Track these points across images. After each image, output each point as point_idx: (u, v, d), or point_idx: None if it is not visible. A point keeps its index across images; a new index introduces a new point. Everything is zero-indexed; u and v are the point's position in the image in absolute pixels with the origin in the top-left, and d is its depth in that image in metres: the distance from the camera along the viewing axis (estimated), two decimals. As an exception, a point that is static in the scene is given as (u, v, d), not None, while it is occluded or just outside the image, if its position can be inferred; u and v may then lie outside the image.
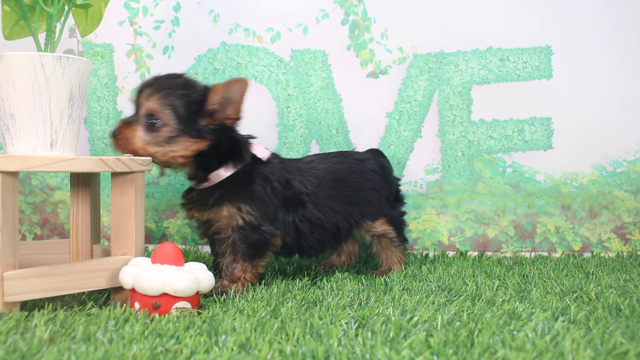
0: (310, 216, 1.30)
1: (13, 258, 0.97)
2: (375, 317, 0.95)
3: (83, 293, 1.12)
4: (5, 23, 1.17)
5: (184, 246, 1.70)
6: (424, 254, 1.69)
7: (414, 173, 1.71)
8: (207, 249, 1.57)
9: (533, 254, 1.71)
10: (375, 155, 1.50)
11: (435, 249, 1.72)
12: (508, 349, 0.79)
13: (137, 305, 0.99)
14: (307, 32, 1.69)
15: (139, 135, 1.16)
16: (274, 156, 1.32)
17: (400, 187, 1.54)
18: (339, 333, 0.86)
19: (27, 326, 0.89)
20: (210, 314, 0.99)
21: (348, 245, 1.53)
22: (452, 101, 1.70)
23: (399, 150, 1.70)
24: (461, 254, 1.69)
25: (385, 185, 1.45)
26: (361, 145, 1.58)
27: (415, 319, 0.93)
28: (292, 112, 1.70)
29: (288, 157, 1.44)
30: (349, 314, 0.98)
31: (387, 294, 1.16)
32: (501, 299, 1.11)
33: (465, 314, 0.98)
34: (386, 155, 1.56)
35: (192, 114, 1.17)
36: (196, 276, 1.00)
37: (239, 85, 1.17)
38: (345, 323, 0.92)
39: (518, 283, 1.28)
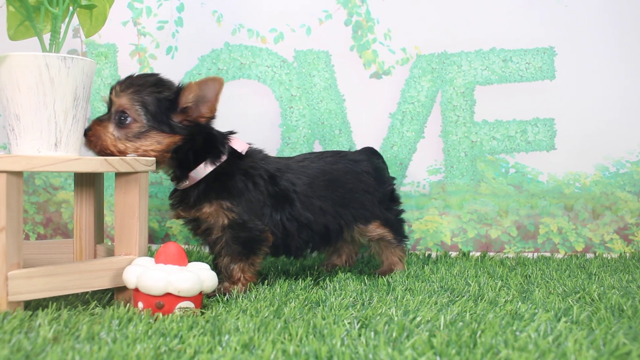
0: (298, 215, 1.28)
1: (17, 257, 0.97)
2: (378, 317, 0.95)
3: (86, 293, 1.12)
4: (10, 23, 1.17)
5: (186, 246, 1.70)
6: (426, 255, 1.69)
7: (417, 174, 1.71)
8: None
9: (535, 254, 1.71)
10: (369, 155, 1.49)
11: (438, 250, 1.72)
12: (511, 350, 0.79)
13: (140, 304, 0.99)
14: (311, 33, 1.70)
15: (110, 132, 1.17)
16: (257, 151, 1.31)
17: (394, 187, 1.51)
18: (342, 333, 0.86)
19: (31, 325, 0.89)
20: (214, 313, 0.99)
21: (348, 246, 1.53)
22: (455, 102, 1.70)
23: (401, 150, 1.70)
24: (464, 254, 1.69)
25: (379, 187, 1.43)
26: (364, 145, 1.58)
27: (418, 319, 0.94)
28: (295, 112, 1.70)
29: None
30: (352, 314, 0.98)
31: (389, 294, 1.16)
32: (504, 300, 1.11)
33: (467, 314, 0.98)
34: (389, 155, 1.56)
35: (163, 110, 1.18)
36: (199, 276, 1.01)
37: (214, 84, 1.18)
38: (348, 323, 0.92)
39: (520, 283, 1.29)
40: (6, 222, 0.95)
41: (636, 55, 1.70)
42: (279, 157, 1.38)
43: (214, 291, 1.13)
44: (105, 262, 1.07)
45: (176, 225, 1.71)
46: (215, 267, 1.28)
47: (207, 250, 1.31)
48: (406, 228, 1.67)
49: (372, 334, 0.86)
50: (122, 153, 1.16)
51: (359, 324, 0.92)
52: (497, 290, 1.21)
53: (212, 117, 1.22)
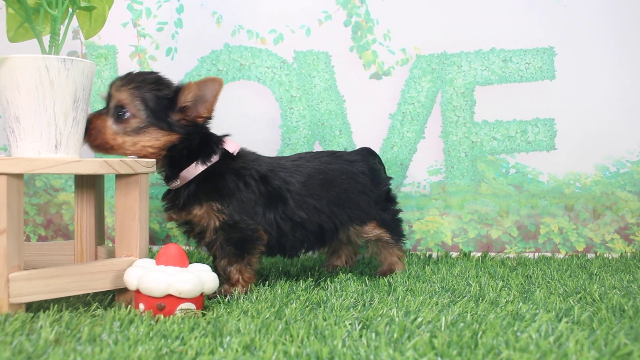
0: (292, 214, 1.28)
1: (18, 259, 0.97)
2: (379, 318, 0.95)
3: (87, 294, 1.12)
4: (10, 25, 1.17)
5: (187, 247, 1.70)
6: (427, 255, 1.69)
7: (417, 174, 1.71)
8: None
9: (536, 254, 1.71)
10: (365, 156, 1.48)
11: (439, 250, 1.72)
12: (512, 350, 0.79)
13: (141, 306, 0.99)
14: (310, 34, 1.70)
15: (109, 126, 1.17)
16: (249, 152, 1.31)
17: (390, 187, 1.50)
18: (343, 334, 0.86)
19: (32, 327, 0.89)
20: (215, 315, 0.99)
21: (346, 247, 1.53)
22: (455, 102, 1.70)
23: (402, 151, 1.70)
24: (464, 254, 1.69)
25: (375, 187, 1.43)
26: (364, 146, 1.57)
27: (419, 320, 0.94)
28: (295, 113, 1.70)
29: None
30: (353, 315, 0.98)
31: (390, 295, 1.16)
32: (505, 300, 1.11)
33: (469, 315, 0.98)
34: (389, 156, 1.56)
35: (162, 108, 1.18)
36: (200, 277, 1.01)
37: (213, 84, 1.19)
38: (349, 324, 0.92)
39: (521, 284, 1.29)
40: (7, 224, 0.95)
41: (636, 56, 1.70)
42: (272, 157, 1.37)
43: (215, 293, 1.13)
44: (106, 264, 1.07)
45: (181, 231, 1.71)
46: (215, 269, 1.28)
47: (205, 250, 1.31)
48: (407, 228, 1.68)
49: (374, 335, 0.86)
50: (120, 147, 1.17)
51: (360, 325, 0.92)
52: (498, 290, 1.21)
53: (210, 118, 1.22)
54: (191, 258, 1.51)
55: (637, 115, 1.70)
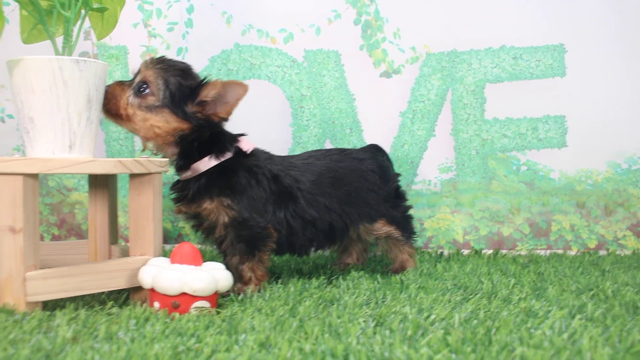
0: (303, 213, 1.28)
1: (34, 259, 0.99)
2: (393, 316, 0.96)
3: (102, 293, 1.13)
4: (24, 27, 1.18)
5: (199, 246, 1.71)
6: (438, 252, 1.69)
7: (428, 172, 1.71)
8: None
9: (548, 251, 1.71)
10: (374, 153, 1.48)
11: (450, 247, 1.73)
12: (526, 347, 0.79)
13: (156, 304, 1.00)
14: (320, 33, 1.70)
15: (126, 96, 1.19)
16: (262, 152, 1.31)
17: (399, 184, 1.50)
18: (357, 331, 0.87)
19: (49, 325, 0.90)
20: (229, 312, 1.00)
21: (357, 244, 1.54)
22: (465, 100, 1.70)
23: (412, 149, 1.71)
24: (476, 252, 1.69)
25: (384, 185, 1.42)
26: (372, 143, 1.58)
27: (433, 317, 0.94)
28: (305, 112, 1.70)
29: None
30: (366, 312, 0.99)
31: (403, 292, 1.16)
32: (517, 297, 1.11)
33: (482, 312, 0.99)
34: (400, 154, 1.56)
35: (182, 95, 1.19)
36: (214, 276, 1.01)
37: (238, 89, 1.20)
38: (363, 321, 0.93)
39: (534, 281, 1.29)
40: (23, 224, 0.96)
41: (647, 52, 1.70)
42: (284, 155, 1.38)
43: (228, 291, 1.14)
44: (121, 263, 1.08)
45: (189, 225, 1.72)
46: (227, 266, 1.29)
47: (214, 247, 1.31)
48: (418, 226, 1.68)
49: (387, 332, 0.87)
50: (129, 118, 1.19)
51: (374, 322, 0.93)
52: (510, 287, 1.21)
53: (225, 120, 1.23)
54: (203, 256, 1.51)
55: (649, 111, 1.70)
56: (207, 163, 1.21)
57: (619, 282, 1.26)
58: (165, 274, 0.99)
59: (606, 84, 1.70)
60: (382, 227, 1.41)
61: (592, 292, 1.16)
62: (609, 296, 1.13)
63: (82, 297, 1.10)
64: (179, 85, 1.19)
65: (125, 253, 1.20)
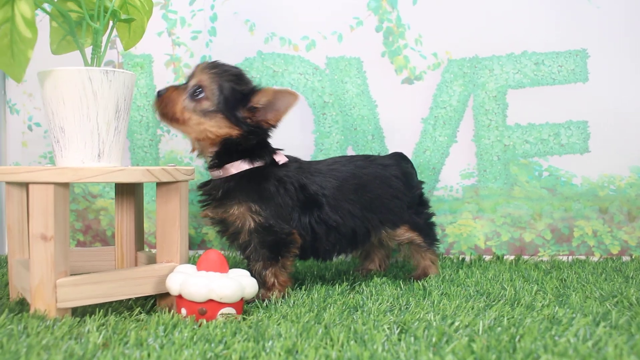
0: (327, 218, 1.29)
1: (64, 265, 1.01)
2: (417, 322, 0.97)
3: (130, 299, 1.15)
4: (53, 38, 1.21)
5: (223, 251, 1.73)
6: (460, 258, 1.70)
7: (450, 178, 1.72)
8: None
9: (570, 257, 1.71)
10: (398, 160, 1.49)
11: (472, 253, 1.73)
12: (550, 354, 0.80)
13: (183, 311, 1.02)
14: (342, 40, 1.71)
15: (182, 99, 1.22)
16: (293, 160, 1.33)
17: (423, 191, 1.51)
18: (382, 338, 0.88)
19: (79, 331, 0.92)
20: (255, 319, 1.01)
21: (379, 250, 1.55)
22: (487, 106, 1.71)
23: (434, 155, 1.71)
24: (498, 258, 1.70)
25: (407, 191, 1.43)
26: (397, 151, 1.58)
27: (457, 324, 0.95)
28: (328, 119, 1.72)
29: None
30: (390, 319, 1.00)
31: (426, 299, 1.17)
32: (540, 304, 1.11)
33: (505, 319, 0.99)
34: (422, 160, 1.56)
35: (235, 100, 1.22)
36: (240, 283, 1.03)
37: (289, 97, 1.23)
38: (388, 328, 0.94)
39: (556, 287, 1.29)
40: (54, 232, 0.98)
41: (670, 56, 1.69)
42: (310, 161, 1.39)
43: (253, 298, 1.15)
44: (148, 270, 1.10)
45: (212, 232, 1.74)
46: (250, 272, 1.30)
47: (238, 253, 1.32)
48: (440, 232, 1.69)
49: (412, 339, 0.88)
50: (184, 122, 1.21)
51: (399, 329, 0.93)
52: (533, 294, 1.21)
53: (274, 126, 1.26)
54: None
55: (672, 116, 1.69)
56: (238, 166, 1.23)
57: (643, 289, 1.25)
58: (193, 281, 1.01)
59: (629, 89, 1.69)
60: (404, 233, 1.42)
61: (615, 299, 1.16)
62: (633, 303, 1.12)
63: (110, 303, 1.12)
64: (232, 91, 1.22)
65: (151, 260, 1.22)
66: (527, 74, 1.70)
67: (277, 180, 1.25)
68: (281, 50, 1.72)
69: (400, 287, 1.30)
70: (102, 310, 1.03)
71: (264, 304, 1.14)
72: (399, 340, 0.88)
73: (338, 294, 1.22)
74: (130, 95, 1.15)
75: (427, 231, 1.46)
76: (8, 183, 1.20)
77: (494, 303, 1.13)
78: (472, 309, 1.08)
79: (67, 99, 1.07)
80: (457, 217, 1.73)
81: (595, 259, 1.69)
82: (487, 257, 1.71)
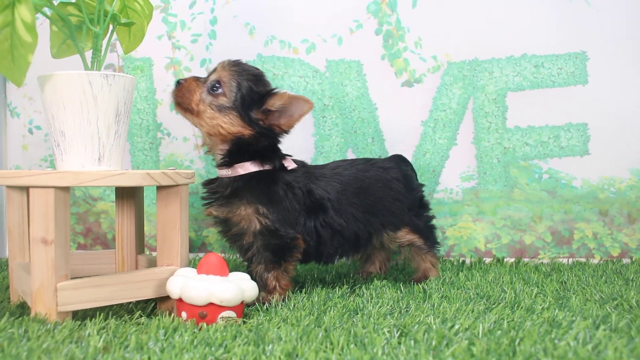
0: (332, 222, 1.30)
1: (65, 269, 1.01)
2: (417, 326, 0.97)
3: (130, 302, 1.15)
4: (53, 42, 1.21)
5: (223, 254, 1.73)
6: (460, 261, 1.70)
7: (450, 180, 1.72)
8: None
9: (571, 260, 1.71)
10: (399, 163, 1.49)
11: (472, 256, 1.73)
12: (550, 358, 0.80)
13: (184, 314, 1.02)
14: (342, 43, 1.72)
15: (200, 92, 1.23)
16: (300, 164, 1.33)
17: (423, 194, 1.52)
18: (382, 342, 0.88)
19: (80, 335, 0.92)
20: (255, 322, 1.01)
21: (380, 253, 1.55)
22: (487, 108, 1.71)
23: (434, 158, 1.71)
24: (498, 260, 1.70)
25: (408, 194, 1.44)
26: (397, 153, 1.59)
27: (457, 327, 0.95)
28: (328, 121, 1.72)
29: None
30: (390, 322, 1.00)
31: (426, 302, 1.17)
32: (540, 307, 1.12)
33: (505, 322, 0.99)
34: (422, 163, 1.56)
35: (251, 100, 1.23)
36: (240, 286, 1.03)
37: (304, 105, 1.23)
38: (388, 332, 0.94)
39: (557, 290, 1.29)
40: (55, 236, 0.98)
41: (670, 59, 1.69)
42: (315, 165, 1.39)
43: (253, 301, 1.15)
44: (149, 273, 1.10)
45: (212, 235, 1.74)
46: (250, 275, 1.30)
47: (239, 254, 1.32)
48: (440, 235, 1.69)
49: (412, 342, 0.88)
50: (198, 115, 1.22)
51: (399, 333, 0.94)
52: (533, 297, 1.21)
53: (286, 132, 1.27)
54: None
55: (672, 119, 1.69)
56: (247, 167, 1.24)
57: (643, 291, 1.25)
58: (193, 285, 1.01)
59: (629, 92, 1.69)
60: (405, 235, 1.42)
61: (615, 302, 1.16)
62: (633, 306, 1.13)
63: (110, 306, 1.12)
64: (250, 90, 1.23)
65: (151, 263, 1.22)
66: (527, 77, 1.70)
67: (285, 185, 1.25)
68: (281, 53, 1.72)
69: (401, 290, 1.30)
70: (102, 314, 1.03)
71: (265, 307, 1.14)
72: (399, 343, 0.88)
73: (338, 297, 1.22)
74: (130, 99, 1.15)
75: (427, 234, 1.47)
76: (9, 187, 1.20)
77: (494, 306, 1.13)
78: (472, 312, 1.08)
79: (68, 103, 1.08)
80: (457, 220, 1.73)
81: (595, 261, 1.70)
82: (488, 260, 1.71)
